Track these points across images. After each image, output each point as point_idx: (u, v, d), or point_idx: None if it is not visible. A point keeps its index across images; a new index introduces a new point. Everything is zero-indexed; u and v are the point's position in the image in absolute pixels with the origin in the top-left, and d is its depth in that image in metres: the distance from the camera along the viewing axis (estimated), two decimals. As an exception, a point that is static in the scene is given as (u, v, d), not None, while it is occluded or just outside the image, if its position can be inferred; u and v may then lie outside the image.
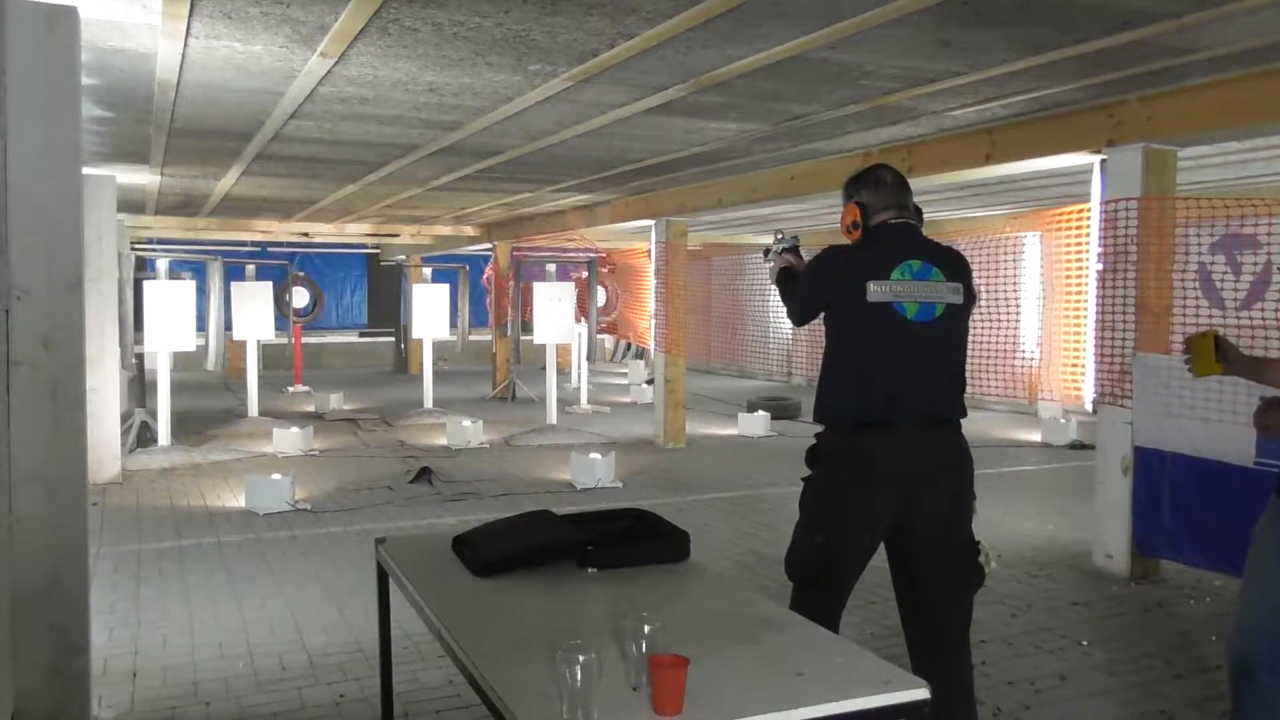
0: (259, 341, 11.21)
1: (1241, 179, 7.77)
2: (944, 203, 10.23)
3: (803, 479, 2.95)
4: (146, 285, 9.04)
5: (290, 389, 14.48)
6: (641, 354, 18.10)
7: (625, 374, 17.06)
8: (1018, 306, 10.77)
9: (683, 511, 6.71)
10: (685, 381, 10.02)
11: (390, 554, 2.82)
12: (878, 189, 2.96)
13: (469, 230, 14.58)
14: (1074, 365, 9.95)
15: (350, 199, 10.45)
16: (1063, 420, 10.07)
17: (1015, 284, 10.71)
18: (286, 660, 4.10)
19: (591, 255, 13.72)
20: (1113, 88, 4.92)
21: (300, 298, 15.03)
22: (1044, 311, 10.89)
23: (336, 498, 7.26)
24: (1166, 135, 5.05)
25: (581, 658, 1.67)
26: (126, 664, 4.05)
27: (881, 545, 2.92)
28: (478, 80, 4.74)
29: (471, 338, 14.37)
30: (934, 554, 2.83)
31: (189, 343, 9.01)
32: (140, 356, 9.58)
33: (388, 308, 19.10)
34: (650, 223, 10.05)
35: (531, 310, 11.47)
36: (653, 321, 10.44)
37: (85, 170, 5.49)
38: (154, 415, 9.07)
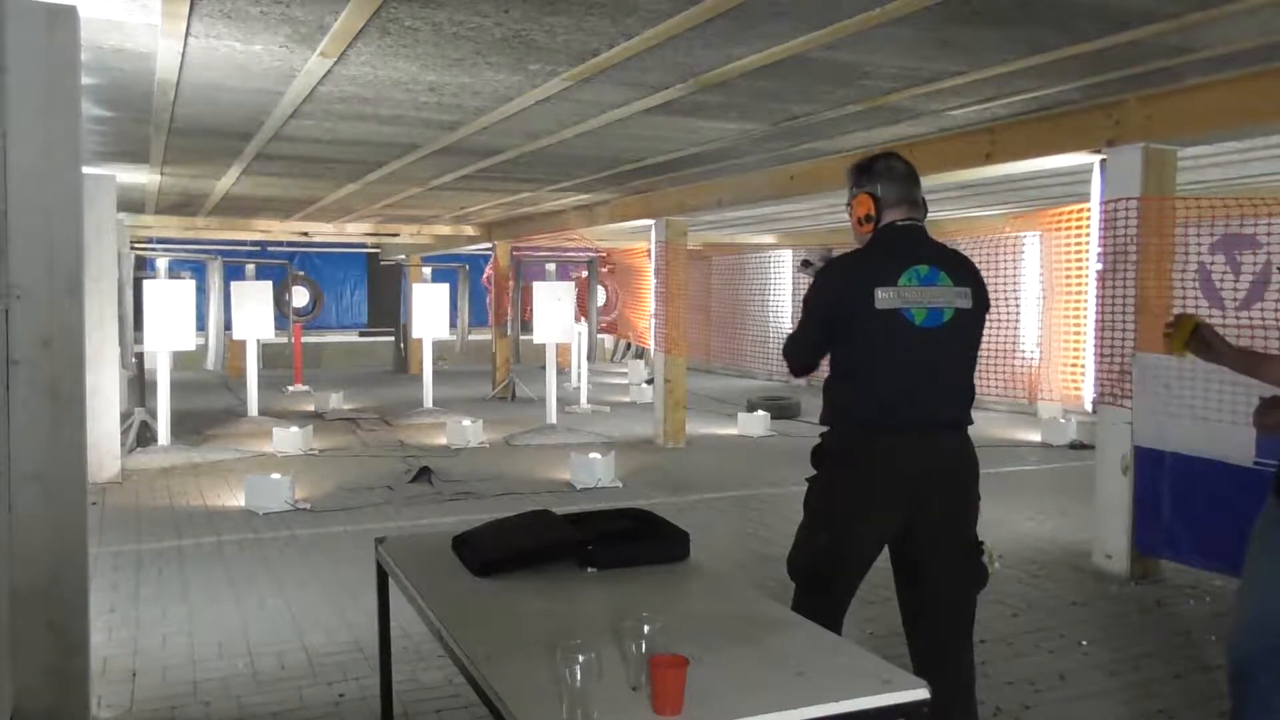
0: (259, 341, 11.20)
1: (1241, 179, 7.77)
2: (944, 203, 10.23)
3: (807, 479, 2.93)
4: (146, 284, 9.03)
5: (290, 388, 14.48)
6: (641, 354, 18.10)
7: (625, 374, 17.06)
8: (1018, 306, 10.78)
9: (682, 511, 6.71)
10: (685, 381, 10.02)
11: (390, 553, 2.82)
12: (891, 180, 2.89)
13: (469, 230, 14.58)
14: (1074, 365, 9.95)
15: (350, 198, 10.45)
16: (1062, 420, 10.07)
17: (1015, 284, 10.72)
18: (286, 660, 4.10)
19: (591, 255, 13.72)
20: (1112, 88, 4.92)
21: (300, 297, 15.03)
22: (1044, 311, 10.89)
23: (336, 497, 7.26)
24: (1166, 135, 5.05)
25: (581, 657, 1.67)
26: (126, 663, 4.05)
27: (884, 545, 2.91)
28: (478, 80, 4.74)
29: (471, 337, 14.37)
30: (937, 555, 2.82)
31: (189, 342, 9.01)
32: (140, 356, 9.59)
33: (387, 307, 19.11)
34: (650, 222, 10.05)
35: (531, 310, 11.47)
36: (652, 321, 10.44)
37: (85, 169, 5.48)
38: (154, 415, 9.07)
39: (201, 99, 5.21)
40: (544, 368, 10.73)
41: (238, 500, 7.03)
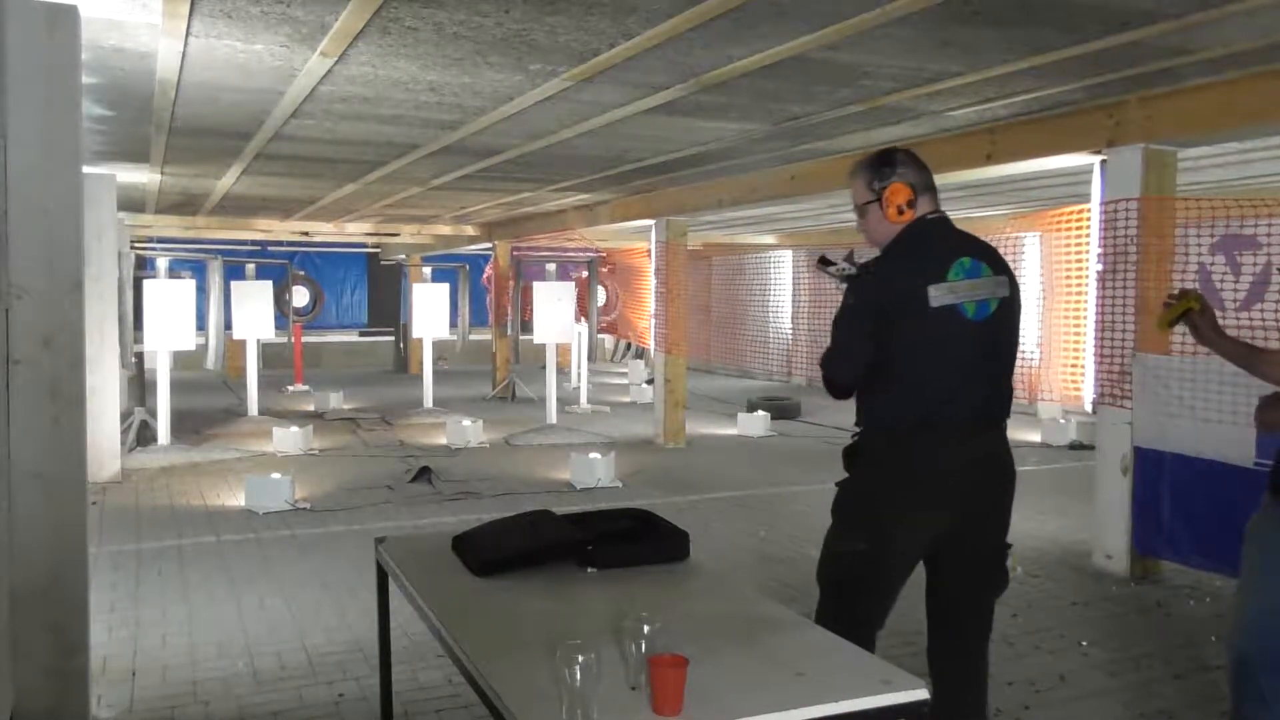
0: (259, 340, 11.21)
1: (1241, 179, 7.77)
2: (944, 203, 10.20)
3: (838, 483, 2.80)
4: (146, 284, 9.04)
5: (290, 388, 14.47)
6: (641, 354, 18.10)
7: (625, 374, 17.06)
8: (1018, 307, 10.75)
9: (682, 511, 6.71)
10: (685, 381, 10.02)
11: (390, 553, 2.82)
12: (918, 168, 2.81)
13: (469, 229, 14.58)
14: (1074, 365, 9.95)
15: (350, 198, 10.46)
16: (1062, 420, 10.07)
17: (1015, 284, 10.69)
18: (286, 659, 4.10)
19: (591, 255, 13.72)
20: (1113, 88, 4.92)
21: (300, 297, 15.03)
22: (1044, 312, 10.89)
23: (336, 497, 7.26)
24: (1166, 136, 5.05)
25: (581, 657, 1.67)
26: (126, 663, 4.05)
27: None
28: (478, 80, 4.74)
29: (471, 337, 14.37)
30: (969, 557, 2.76)
31: (189, 342, 9.02)
32: (140, 355, 9.59)
33: (388, 307, 19.10)
34: (650, 222, 10.05)
35: (531, 310, 11.47)
36: (653, 321, 10.44)
37: (85, 169, 5.48)
38: (154, 414, 9.07)
39: (202, 98, 5.21)
40: (544, 368, 10.73)
41: (238, 500, 7.03)
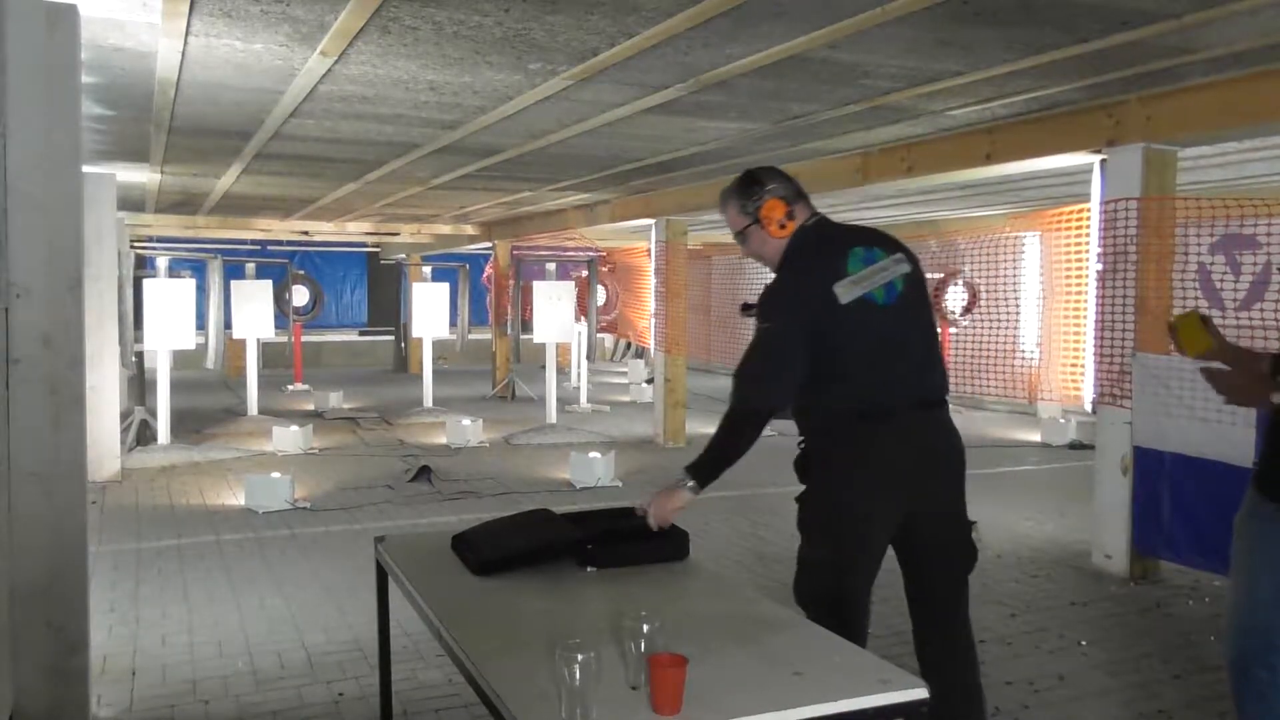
0: (259, 340, 11.20)
1: (1241, 179, 7.77)
2: (944, 203, 10.23)
3: (797, 499, 2.81)
4: (146, 283, 9.03)
5: (290, 387, 14.47)
6: (641, 353, 18.10)
7: (625, 373, 17.06)
8: (1018, 306, 10.78)
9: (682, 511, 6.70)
10: (685, 381, 10.02)
11: (389, 553, 2.82)
12: (782, 179, 2.86)
13: (469, 229, 14.58)
14: (1074, 365, 9.96)
15: (350, 198, 10.46)
16: (1062, 420, 10.07)
17: (1015, 284, 10.72)
18: (285, 659, 4.11)
19: (591, 254, 13.72)
20: (1113, 88, 4.92)
21: (300, 296, 15.03)
22: (1044, 311, 10.89)
23: (336, 496, 7.26)
24: (1166, 135, 5.05)
25: (580, 657, 1.67)
26: (125, 662, 4.05)
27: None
28: (478, 79, 4.74)
29: (471, 337, 14.37)
30: (932, 535, 2.78)
31: (189, 341, 9.01)
32: (140, 355, 9.58)
33: (387, 306, 19.10)
34: (650, 222, 10.06)
35: (531, 309, 11.47)
36: (652, 321, 10.44)
37: (85, 168, 5.49)
38: (153, 413, 9.07)
39: (202, 98, 5.21)
40: (544, 367, 10.73)
41: (237, 499, 7.03)
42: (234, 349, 13.49)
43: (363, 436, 10.20)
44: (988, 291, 11.08)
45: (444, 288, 12.22)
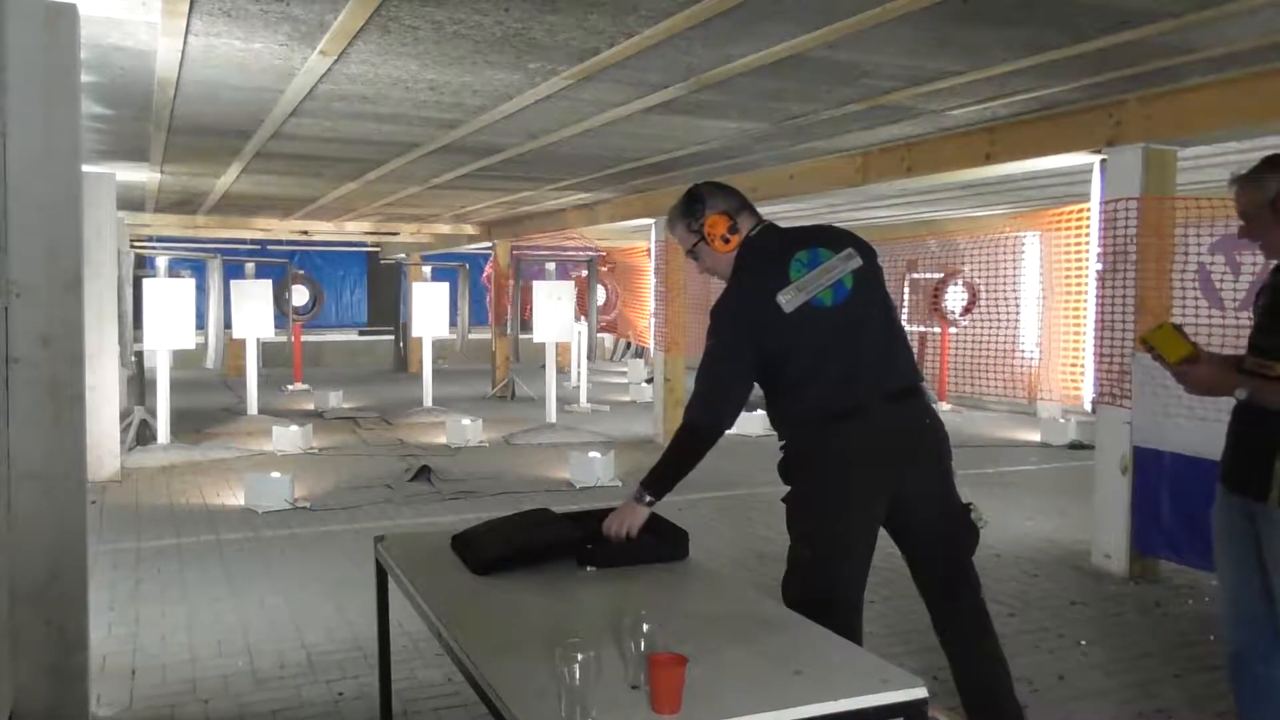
0: (258, 339, 11.20)
1: (1241, 179, 7.77)
2: (944, 203, 10.24)
3: (784, 499, 2.82)
4: (146, 283, 9.03)
5: (290, 387, 14.47)
6: (641, 353, 18.10)
7: (625, 373, 17.06)
8: (1017, 306, 10.78)
9: (682, 511, 6.71)
10: (684, 380, 10.01)
11: (389, 552, 2.82)
12: (722, 194, 2.90)
13: (469, 229, 14.58)
14: (1073, 365, 9.96)
15: (350, 197, 10.45)
16: (1062, 420, 10.06)
17: (1015, 284, 10.73)
18: (285, 658, 4.11)
19: (591, 254, 13.72)
20: (1112, 88, 4.92)
21: (300, 296, 15.03)
22: (1043, 311, 10.90)
23: (336, 496, 7.26)
24: (1166, 135, 5.05)
25: (580, 656, 1.67)
26: (125, 661, 4.05)
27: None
28: (478, 78, 4.74)
29: (471, 336, 14.37)
30: (926, 521, 2.81)
31: (188, 340, 9.00)
32: (139, 354, 9.59)
33: (387, 306, 19.11)
34: (650, 221, 10.06)
35: (531, 309, 11.47)
36: (652, 320, 10.44)
37: (85, 168, 5.47)
38: (153, 413, 9.06)
39: (201, 97, 5.21)
40: (544, 367, 10.73)
41: (237, 499, 7.03)
42: (234, 348, 13.48)
43: (363, 436, 10.20)
44: (987, 291, 11.08)
45: (444, 287, 12.22)
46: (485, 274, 15.46)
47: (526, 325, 12.52)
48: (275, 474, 7.05)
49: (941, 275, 12.01)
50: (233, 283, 11.06)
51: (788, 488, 2.84)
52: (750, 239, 2.86)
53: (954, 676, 2.93)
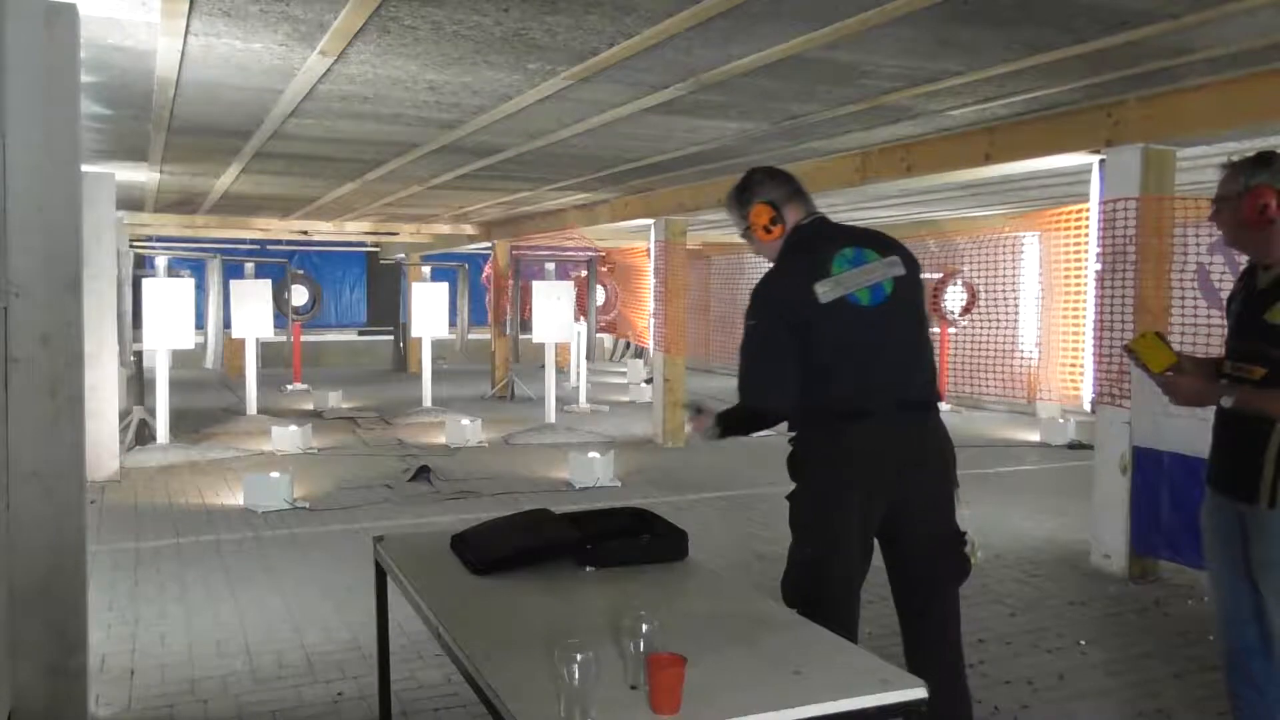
0: (258, 339, 11.20)
1: (1240, 179, 7.77)
2: (943, 203, 10.24)
3: (788, 496, 2.82)
4: (145, 283, 9.03)
5: (289, 387, 14.46)
6: (640, 353, 18.10)
7: (624, 373, 17.06)
8: (1016, 306, 10.79)
9: (681, 511, 6.71)
10: (684, 380, 10.02)
11: (388, 552, 2.82)
12: (774, 183, 2.89)
13: (468, 229, 14.58)
14: (1072, 365, 9.97)
15: (349, 197, 10.45)
16: (1061, 420, 10.07)
17: (1014, 284, 10.74)
18: (284, 658, 4.10)
19: (591, 254, 13.72)
20: (1111, 88, 4.92)
21: (299, 296, 15.03)
22: (1043, 311, 10.91)
23: (335, 496, 7.26)
24: (1165, 135, 5.05)
25: (579, 656, 1.67)
26: (124, 662, 4.05)
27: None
28: (477, 79, 4.74)
29: (470, 336, 14.37)
30: (918, 540, 2.77)
31: (188, 340, 9.01)
32: (139, 354, 9.58)
33: (387, 306, 19.10)
34: (649, 222, 10.06)
35: (530, 309, 11.47)
36: (652, 321, 10.44)
37: (84, 167, 5.47)
38: (152, 413, 9.06)
39: (201, 97, 5.21)
40: (543, 367, 10.73)
41: (236, 499, 7.03)
42: (233, 348, 13.47)
43: (362, 436, 10.20)
44: (987, 291, 11.09)
45: (443, 287, 12.22)
46: (485, 274, 15.46)
47: (526, 325, 12.52)
48: (274, 474, 7.05)
49: (941, 275, 12.02)
50: (232, 283, 11.06)
51: (792, 484, 2.83)
52: (799, 227, 2.86)
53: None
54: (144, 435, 9.08)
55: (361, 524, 6.39)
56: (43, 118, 3.06)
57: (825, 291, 2.68)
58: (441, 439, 9.88)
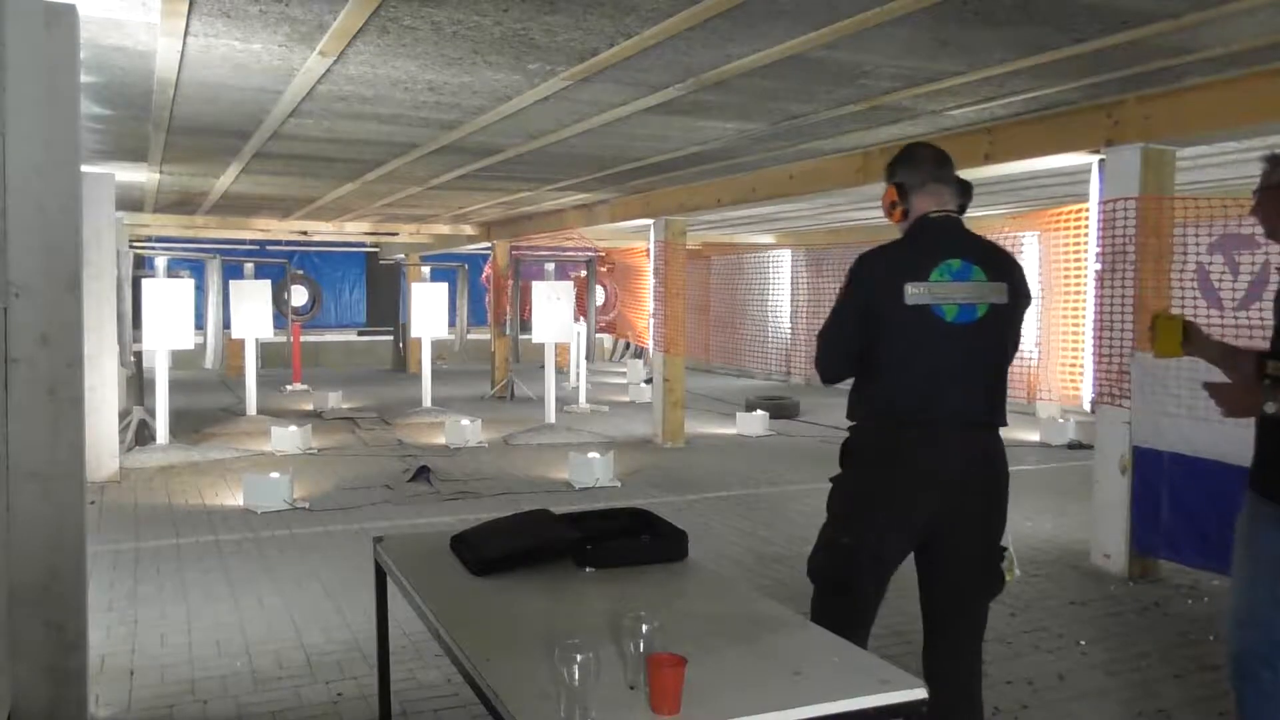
0: (257, 340, 11.20)
1: (1240, 179, 7.78)
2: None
3: (831, 478, 2.84)
4: (145, 283, 9.03)
5: (289, 387, 14.47)
6: (640, 353, 18.10)
7: (624, 373, 17.05)
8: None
9: (681, 511, 6.71)
10: (684, 381, 10.02)
11: (388, 553, 2.82)
12: (913, 164, 2.86)
13: (468, 229, 14.58)
14: (1072, 365, 9.97)
15: (349, 197, 10.45)
16: (1061, 420, 10.07)
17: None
18: (284, 658, 4.10)
19: (590, 254, 13.72)
20: (1111, 88, 4.92)
21: (299, 296, 15.04)
22: (1042, 311, 10.90)
23: (335, 496, 7.25)
24: (1165, 135, 5.05)
25: (579, 656, 1.67)
26: (124, 662, 4.05)
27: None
28: (477, 79, 4.74)
29: (470, 336, 14.36)
30: (956, 557, 2.76)
31: (187, 341, 9.01)
32: (139, 354, 9.58)
33: (386, 306, 19.10)
34: (649, 222, 10.05)
35: (530, 309, 11.47)
36: (651, 321, 10.44)
37: (84, 168, 5.47)
38: (152, 413, 9.06)
39: (201, 97, 5.21)
40: (543, 367, 10.73)
41: (236, 499, 7.03)
42: (233, 349, 13.47)
43: (361, 436, 10.19)
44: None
45: (443, 288, 12.22)
46: (484, 274, 15.46)
47: (525, 325, 12.52)
48: (274, 474, 7.04)
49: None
50: (232, 283, 11.06)
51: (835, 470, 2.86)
52: (926, 218, 2.81)
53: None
54: (144, 435, 9.08)
55: (361, 524, 6.39)
56: (43, 118, 3.06)
57: (914, 294, 2.65)
58: (441, 439, 9.88)
